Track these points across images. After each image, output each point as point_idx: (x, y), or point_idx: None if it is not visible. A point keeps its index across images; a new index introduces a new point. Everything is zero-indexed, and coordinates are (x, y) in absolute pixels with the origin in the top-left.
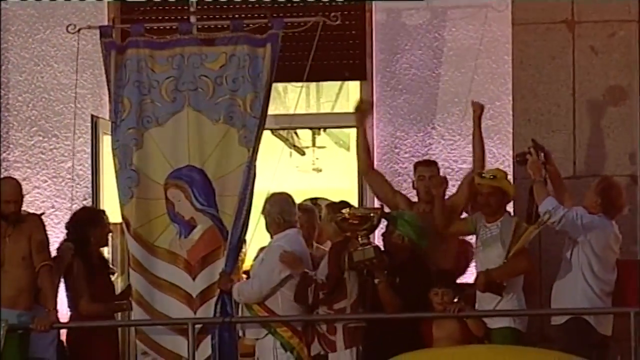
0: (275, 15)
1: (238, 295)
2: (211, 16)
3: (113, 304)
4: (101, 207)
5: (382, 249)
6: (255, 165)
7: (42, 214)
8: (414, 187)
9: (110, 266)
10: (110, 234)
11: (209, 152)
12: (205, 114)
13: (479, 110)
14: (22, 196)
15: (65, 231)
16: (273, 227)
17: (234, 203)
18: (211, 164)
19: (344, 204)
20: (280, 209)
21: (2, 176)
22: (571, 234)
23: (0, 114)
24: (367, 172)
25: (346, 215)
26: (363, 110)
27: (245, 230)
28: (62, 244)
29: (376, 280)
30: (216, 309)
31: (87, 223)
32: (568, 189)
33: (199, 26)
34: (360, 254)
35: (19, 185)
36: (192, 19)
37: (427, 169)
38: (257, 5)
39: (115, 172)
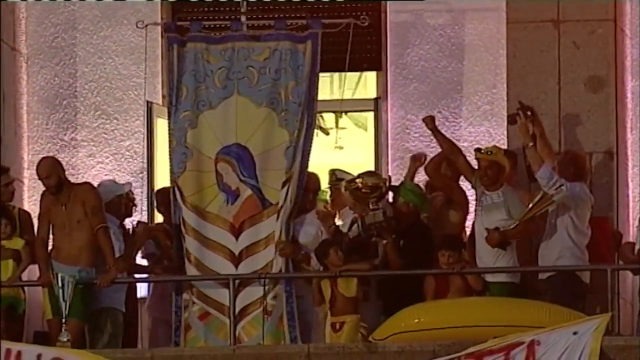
0: (313, 15)
1: None
2: (258, 16)
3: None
4: (154, 179)
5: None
6: (310, 143)
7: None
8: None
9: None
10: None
11: (253, 132)
12: (251, 99)
13: (431, 123)
14: (57, 169)
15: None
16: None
17: (276, 177)
18: (254, 142)
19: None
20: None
21: (63, 153)
22: (566, 202)
23: (2, 108)
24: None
25: (359, 184)
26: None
27: (297, 202)
28: (138, 223)
29: (384, 241)
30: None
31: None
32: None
33: (248, 24)
34: (371, 217)
35: (51, 162)
36: (242, 18)
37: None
38: (297, 7)
39: (171, 148)
